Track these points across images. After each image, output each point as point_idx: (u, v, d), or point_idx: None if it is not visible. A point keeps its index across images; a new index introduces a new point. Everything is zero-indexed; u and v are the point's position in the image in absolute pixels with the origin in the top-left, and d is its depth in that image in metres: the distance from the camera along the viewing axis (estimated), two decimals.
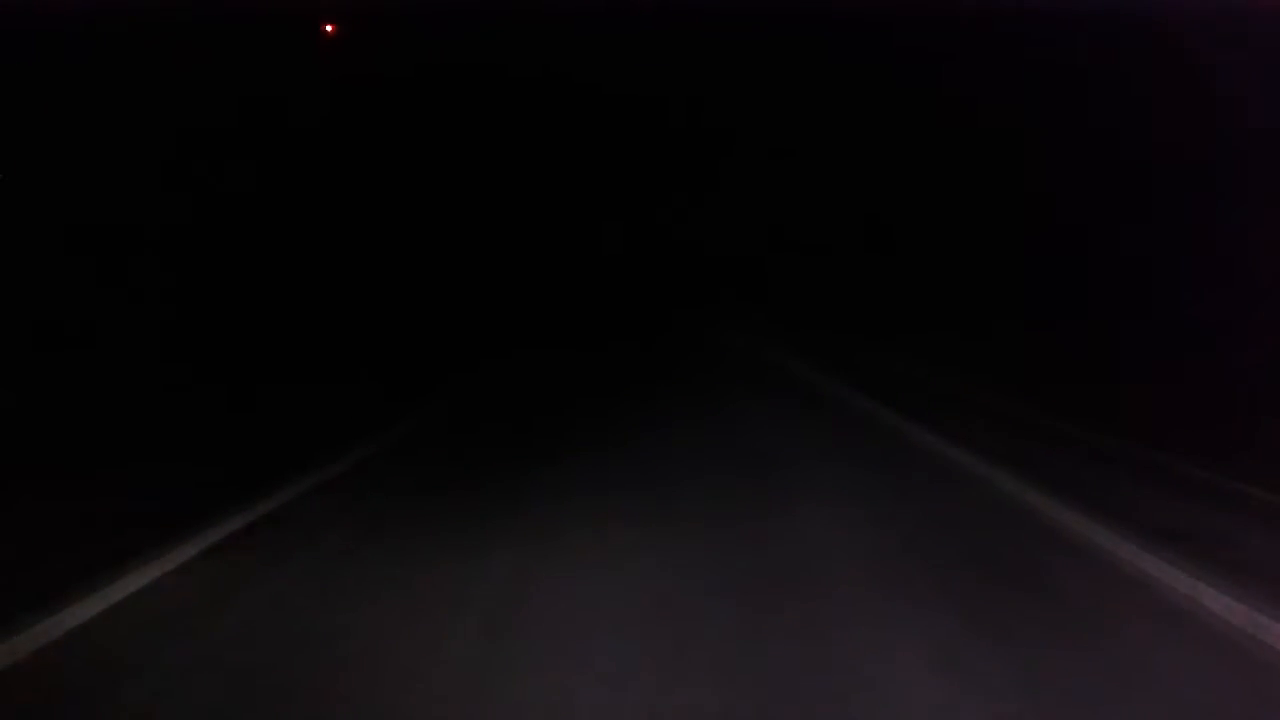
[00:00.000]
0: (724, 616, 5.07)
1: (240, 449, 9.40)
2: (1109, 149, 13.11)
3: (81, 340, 14.31)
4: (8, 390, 11.40)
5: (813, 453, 9.74)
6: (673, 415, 12.26)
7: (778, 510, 7.33)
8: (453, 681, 4.32)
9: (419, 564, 6.14)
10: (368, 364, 16.74)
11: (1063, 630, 4.86)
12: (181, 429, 10.49)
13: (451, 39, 23.31)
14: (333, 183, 22.51)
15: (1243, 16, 10.10)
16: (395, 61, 23.12)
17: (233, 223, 18.57)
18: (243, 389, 13.31)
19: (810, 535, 6.65)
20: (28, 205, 14.64)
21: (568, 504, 7.61)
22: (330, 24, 20.24)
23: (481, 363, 18.30)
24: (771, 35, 19.79)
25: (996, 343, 15.70)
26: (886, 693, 4.12)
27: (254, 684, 4.35)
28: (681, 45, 22.85)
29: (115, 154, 15.47)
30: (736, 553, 6.23)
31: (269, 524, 7.13)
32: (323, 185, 22.03)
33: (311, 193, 21.58)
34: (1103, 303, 13.55)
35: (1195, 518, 6.43)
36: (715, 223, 31.08)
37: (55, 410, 11.24)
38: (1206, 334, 10.79)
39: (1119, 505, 6.66)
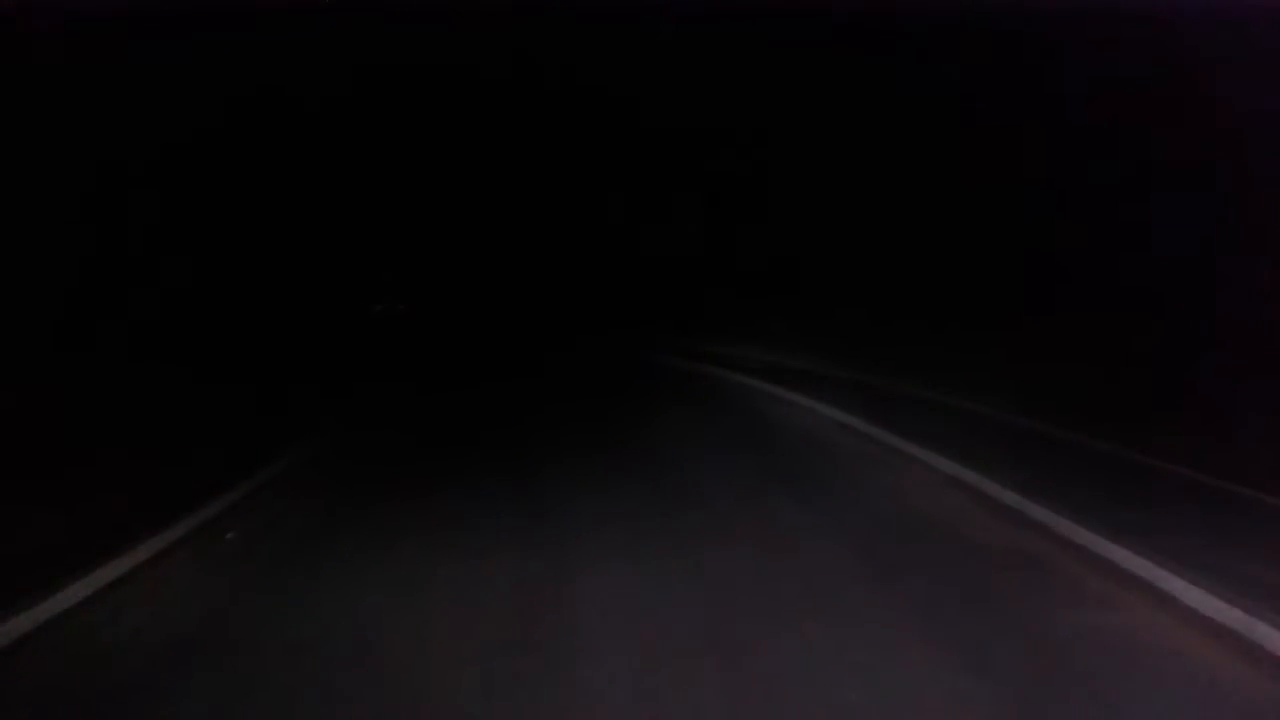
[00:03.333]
0: None
1: None
2: (1108, 148, 13.03)
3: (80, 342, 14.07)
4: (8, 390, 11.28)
5: None
6: None
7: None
8: None
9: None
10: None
11: None
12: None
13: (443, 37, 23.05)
14: (318, 183, 22.22)
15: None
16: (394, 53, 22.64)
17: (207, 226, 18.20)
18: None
19: None
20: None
21: None
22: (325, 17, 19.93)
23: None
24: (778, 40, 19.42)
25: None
26: None
27: None
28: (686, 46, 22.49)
29: (102, 153, 15.15)
30: None
31: None
32: (305, 185, 21.72)
33: (294, 193, 21.26)
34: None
35: None
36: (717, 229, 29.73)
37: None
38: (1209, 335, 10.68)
39: None
